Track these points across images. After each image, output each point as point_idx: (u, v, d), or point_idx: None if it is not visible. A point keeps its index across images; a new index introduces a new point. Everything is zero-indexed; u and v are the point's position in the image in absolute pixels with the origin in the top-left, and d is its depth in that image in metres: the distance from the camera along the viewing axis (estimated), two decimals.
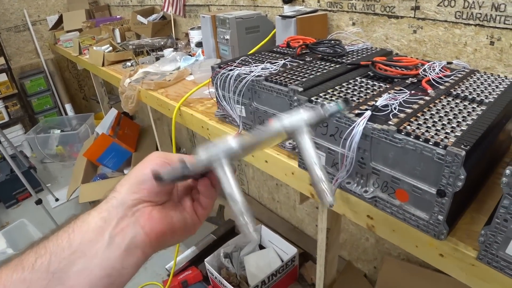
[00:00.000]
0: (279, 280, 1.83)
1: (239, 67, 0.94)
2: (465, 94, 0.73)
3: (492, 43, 1.09)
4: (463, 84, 0.79)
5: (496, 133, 0.71)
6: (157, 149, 2.13)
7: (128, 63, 2.07)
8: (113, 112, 2.91)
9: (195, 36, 1.88)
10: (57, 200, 2.96)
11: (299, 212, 2.27)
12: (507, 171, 0.51)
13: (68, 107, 3.99)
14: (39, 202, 2.39)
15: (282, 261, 1.88)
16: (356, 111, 0.65)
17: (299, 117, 0.43)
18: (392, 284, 1.35)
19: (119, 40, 2.51)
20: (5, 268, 0.39)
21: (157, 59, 1.93)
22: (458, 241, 0.62)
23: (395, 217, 0.67)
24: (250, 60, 0.99)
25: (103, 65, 2.16)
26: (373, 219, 0.74)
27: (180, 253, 1.98)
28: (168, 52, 1.99)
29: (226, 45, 1.50)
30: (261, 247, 2.10)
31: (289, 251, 1.90)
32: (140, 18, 2.48)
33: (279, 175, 0.95)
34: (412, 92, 0.74)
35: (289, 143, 0.88)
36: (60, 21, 3.40)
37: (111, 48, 2.29)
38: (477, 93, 0.74)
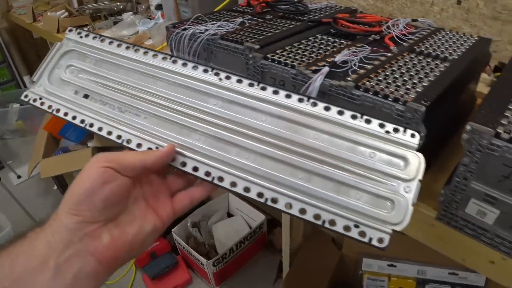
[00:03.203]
0: (248, 247, 1.81)
1: (194, 26, 0.87)
2: (429, 51, 0.70)
3: (459, 2, 1.06)
4: (427, 41, 0.76)
5: (460, 91, 0.68)
6: None
7: (85, 29, 1.94)
8: None
9: None
10: (19, 177, 2.81)
11: None
12: (468, 127, 0.48)
13: (26, 79, 3.74)
14: None
15: (250, 228, 1.86)
16: (314, 68, 0.60)
17: None
18: (358, 249, 1.35)
19: (76, 5, 2.35)
20: None
21: (115, 23, 1.81)
22: (418, 201, 0.60)
23: None
24: (206, 19, 0.92)
25: (58, 31, 2.02)
26: None
27: None
28: (127, 16, 1.87)
29: (186, 7, 1.41)
30: (229, 215, 2.06)
31: (257, 218, 1.87)
32: None
33: None
34: (374, 48, 0.69)
35: None
36: None
37: (67, 13, 2.14)
38: (441, 50, 0.70)
